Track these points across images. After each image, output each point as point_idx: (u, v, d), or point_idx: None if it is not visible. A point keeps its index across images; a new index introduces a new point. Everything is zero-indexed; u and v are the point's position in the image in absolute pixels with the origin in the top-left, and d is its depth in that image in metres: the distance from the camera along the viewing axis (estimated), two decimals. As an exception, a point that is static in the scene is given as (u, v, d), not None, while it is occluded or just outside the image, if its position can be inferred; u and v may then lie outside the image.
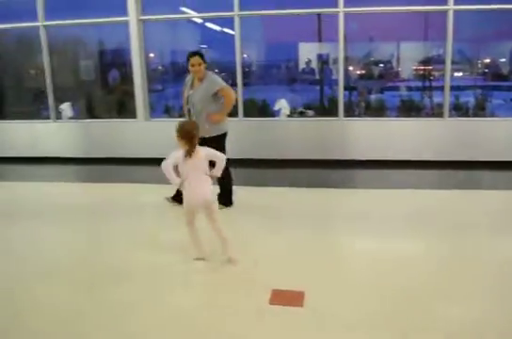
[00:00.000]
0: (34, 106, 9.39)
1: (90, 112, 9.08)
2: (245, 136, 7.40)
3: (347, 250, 3.94)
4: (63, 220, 4.77)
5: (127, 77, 8.21)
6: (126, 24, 7.71)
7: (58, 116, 8.18)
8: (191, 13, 8.54)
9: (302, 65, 8.77)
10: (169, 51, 9.80)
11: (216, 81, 4.79)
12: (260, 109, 8.27)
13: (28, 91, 9.65)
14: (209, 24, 8.91)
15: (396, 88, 8.53)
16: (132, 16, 7.65)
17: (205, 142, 4.16)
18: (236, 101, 7.46)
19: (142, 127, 7.74)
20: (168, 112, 8.86)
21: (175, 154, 3.45)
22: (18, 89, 9.88)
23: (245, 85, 7.50)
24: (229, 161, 3.98)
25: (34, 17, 7.97)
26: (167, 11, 7.90)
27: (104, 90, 9.35)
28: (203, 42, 9.72)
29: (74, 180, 6.75)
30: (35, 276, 3.47)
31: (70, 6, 8.40)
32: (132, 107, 7.94)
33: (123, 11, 7.64)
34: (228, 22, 7.89)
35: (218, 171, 3.67)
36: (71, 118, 8.13)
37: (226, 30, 8.51)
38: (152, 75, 8.15)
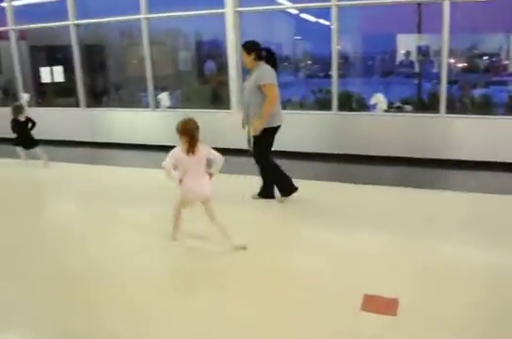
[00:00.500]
0: (135, 95, 9.85)
1: (186, 102, 9.35)
2: (338, 130, 7.26)
3: (439, 254, 3.68)
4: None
5: (222, 68, 8.34)
6: (223, 15, 7.79)
7: (157, 105, 8.49)
8: (287, 4, 8.49)
9: (400, 57, 8.44)
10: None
11: (263, 75, 4.61)
12: (354, 103, 8.06)
13: (130, 80, 10.12)
14: (304, 15, 8.81)
15: (504, 83, 7.95)
16: (229, 8, 7.71)
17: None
18: (330, 93, 7.39)
19: (235, 119, 7.79)
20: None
21: (174, 152, 3.56)
22: (121, 79, 10.40)
23: (339, 77, 7.33)
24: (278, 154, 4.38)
25: (136, 10, 8.28)
26: (262, 2, 7.90)
27: (200, 81, 9.57)
28: (298, 34, 9.64)
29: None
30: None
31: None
32: (226, 98, 8.06)
33: (221, 3, 7.72)
34: (323, 12, 7.73)
35: (216, 170, 3.70)
36: (168, 107, 8.40)
37: (321, 21, 8.37)
38: (245, 67, 8.19)
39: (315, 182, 5.79)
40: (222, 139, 6.39)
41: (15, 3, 9.63)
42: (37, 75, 10.01)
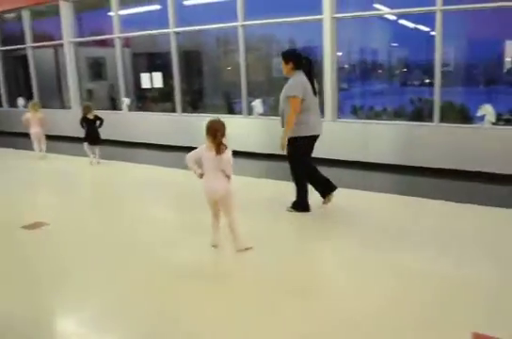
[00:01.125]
0: (228, 101, 10.00)
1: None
2: (440, 143, 6.83)
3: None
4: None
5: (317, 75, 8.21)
6: (319, 22, 7.68)
7: (250, 111, 8.53)
8: (385, 10, 8.21)
9: (508, 65, 7.85)
10: (358, 49, 9.59)
11: (290, 87, 4.71)
12: (458, 114, 7.57)
13: (225, 87, 10.30)
14: (402, 21, 8.48)
15: None
16: (326, 14, 7.60)
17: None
18: (431, 103, 7.00)
19: (329, 128, 7.62)
20: (355, 113, 8.61)
21: (198, 149, 3.79)
22: (216, 85, 10.62)
23: (442, 86, 6.93)
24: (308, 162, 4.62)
25: (232, 17, 8.39)
26: (358, 8, 7.70)
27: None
28: (394, 40, 9.30)
29: (255, 174, 6.99)
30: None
31: (266, 5, 8.71)
32: (320, 106, 7.89)
33: (318, 10, 7.62)
34: (423, 18, 7.39)
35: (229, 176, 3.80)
36: (261, 114, 8.41)
37: (420, 27, 8.01)
38: (339, 74, 8.02)
39: (417, 198, 5.47)
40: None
41: (121, 12, 10.16)
42: (138, 81, 10.48)
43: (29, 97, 12.15)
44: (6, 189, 6.55)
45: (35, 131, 8.56)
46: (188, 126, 9.20)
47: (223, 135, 3.69)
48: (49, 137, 8.98)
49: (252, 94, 8.69)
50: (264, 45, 9.91)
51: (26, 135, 8.83)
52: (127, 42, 10.98)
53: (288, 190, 5.12)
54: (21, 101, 12.26)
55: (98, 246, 4.25)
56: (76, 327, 2.93)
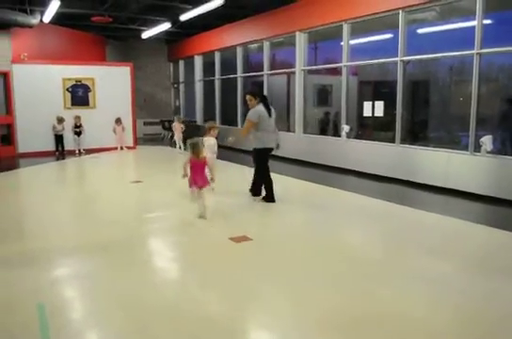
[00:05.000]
0: (453, 135, 9.25)
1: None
2: None
3: None
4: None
5: None
6: None
7: (477, 149, 7.65)
8: None
9: None
10: None
11: (251, 113, 6.93)
12: None
13: (451, 119, 9.57)
14: None
15: None
16: None
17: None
18: None
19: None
20: None
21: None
22: (441, 116, 9.94)
23: None
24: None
25: (468, 45, 7.70)
26: None
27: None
28: None
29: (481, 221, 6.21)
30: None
31: (507, 33, 7.80)
32: None
33: None
34: None
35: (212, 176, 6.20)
36: (489, 152, 7.45)
37: None
38: None
39: None
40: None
41: (352, 41, 10.29)
42: (360, 109, 10.45)
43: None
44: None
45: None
46: (405, 158, 8.78)
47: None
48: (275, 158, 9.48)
49: (482, 129, 7.80)
50: (503, 75, 8.89)
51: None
52: (355, 70, 11.07)
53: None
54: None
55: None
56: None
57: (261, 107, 6.86)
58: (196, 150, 5.95)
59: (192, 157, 5.96)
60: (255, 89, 8.66)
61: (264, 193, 7.04)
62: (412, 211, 6.59)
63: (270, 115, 6.92)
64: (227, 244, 4.98)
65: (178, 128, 13.37)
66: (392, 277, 4.13)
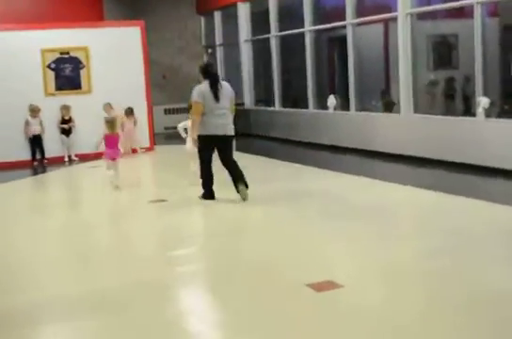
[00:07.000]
0: None
1: None
2: None
3: None
4: None
5: None
6: None
7: None
8: None
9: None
10: None
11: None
12: None
13: None
14: None
15: None
16: None
17: None
18: None
19: None
20: None
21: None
22: None
23: None
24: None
25: None
26: None
27: None
28: None
29: None
30: None
31: None
32: None
33: None
34: None
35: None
36: None
37: None
38: None
39: None
40: None
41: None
42: (506, 71, 10.25)
43: (345, 94, 12.90)
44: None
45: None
46: None
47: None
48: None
49: None
50: None
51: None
52: (494, 9, 10.84)
53: None
54: (332, 100, 13.03)
55: None
56: None
57: (205, 85, 8.04)
58: (111, 125, 9.77)
59: (107, 132, 9.70)
60: (205, 63, 10.28)
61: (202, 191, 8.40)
62: None
63: (217, 96, 8.01)
64: (308, 299, 4.83)
65: None
66: None
